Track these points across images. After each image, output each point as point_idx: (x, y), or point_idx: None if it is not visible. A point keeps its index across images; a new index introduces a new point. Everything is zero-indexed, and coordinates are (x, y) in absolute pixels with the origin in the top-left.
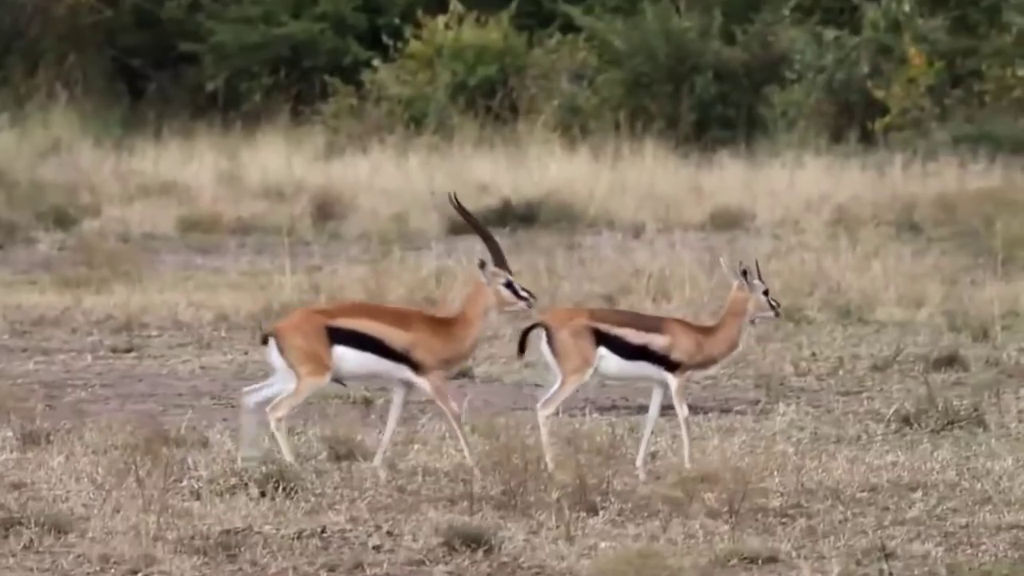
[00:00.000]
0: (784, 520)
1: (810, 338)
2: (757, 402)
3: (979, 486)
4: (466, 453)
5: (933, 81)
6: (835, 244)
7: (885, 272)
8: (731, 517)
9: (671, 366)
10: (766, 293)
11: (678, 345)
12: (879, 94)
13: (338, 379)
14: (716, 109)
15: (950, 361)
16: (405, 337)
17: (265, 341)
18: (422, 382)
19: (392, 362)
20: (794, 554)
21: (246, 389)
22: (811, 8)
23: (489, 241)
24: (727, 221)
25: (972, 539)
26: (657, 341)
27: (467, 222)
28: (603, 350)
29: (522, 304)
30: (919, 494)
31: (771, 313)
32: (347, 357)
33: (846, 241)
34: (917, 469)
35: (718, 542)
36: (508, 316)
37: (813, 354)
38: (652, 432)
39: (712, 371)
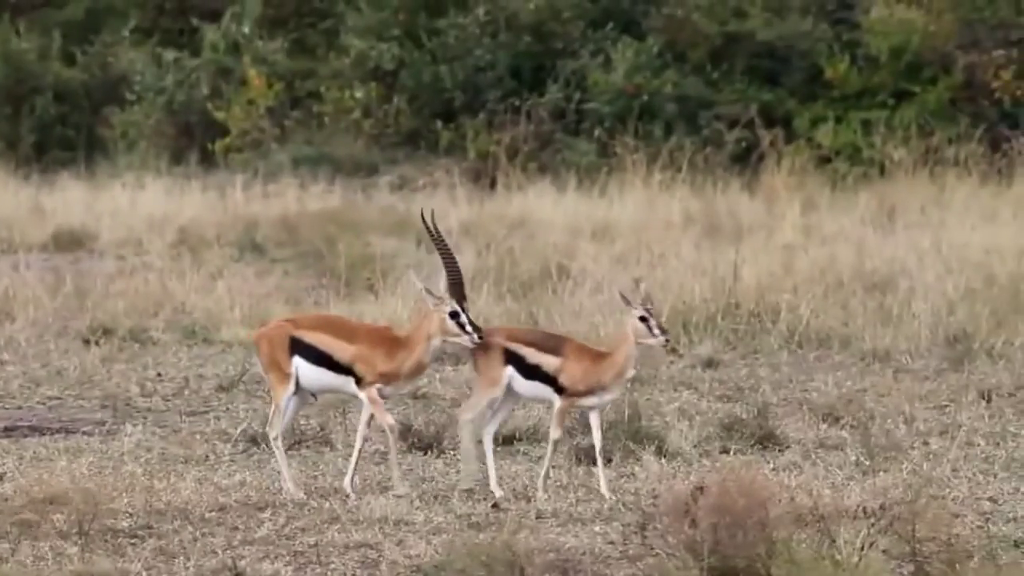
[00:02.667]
0: (134, 540)
1: (155, 359)
2: (104, 423)
3: (327, 505)
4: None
5: (273, 102)
6: (179, 265)
7: (229, 292)
8: (81, 538)
9: (559, 389)
10: (644, 320)
11: (565, 370)
12: (219, 115)
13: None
14: (56, 130)
15: None
16: (348, 350)
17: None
18: (361, 395)
19: (338, 375)
20: (145, 574)
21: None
22: (151, 30)
23: (450, 266)
24: (70, 242)
25: (322, 558)
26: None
27: (433, 242)
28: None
29: (464, 338)
30: (268, 513)
31: (653, 340)
32: (302, 369)
33: (190, 261)
34: (265, 488)
35: (67, 563)
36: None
37: (159, 375)
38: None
39: (607, 399)
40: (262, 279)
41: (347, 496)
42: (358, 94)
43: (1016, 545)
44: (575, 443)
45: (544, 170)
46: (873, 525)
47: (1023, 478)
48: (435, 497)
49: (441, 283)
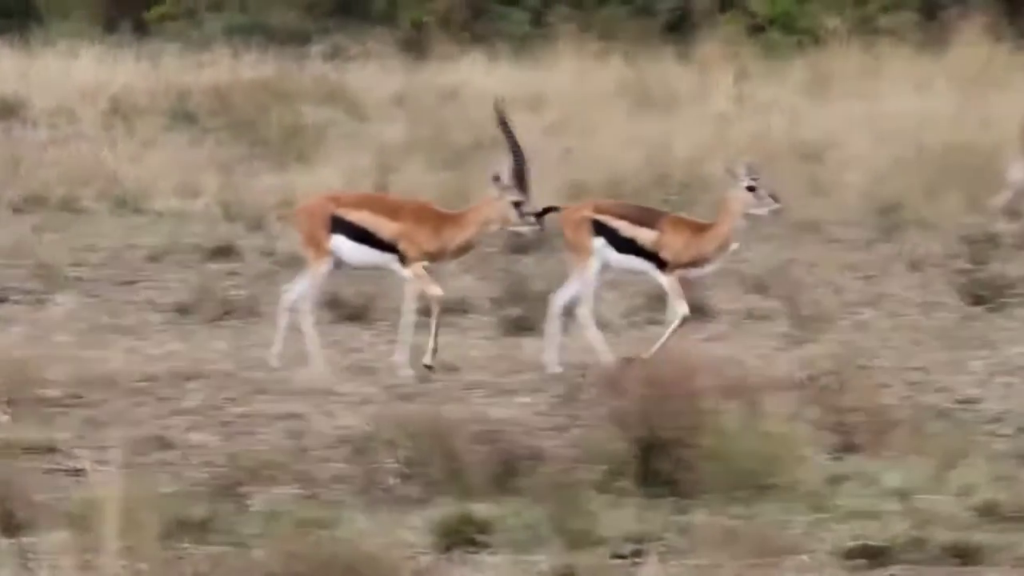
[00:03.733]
0: (63, 410)
1: (87, 228)
2: (34, 292)
3: (255, 375)
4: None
5: None
6: (111, 135)
7: (161, 162)
8: (9, 407)
9: (661, 264)
10: (752, 189)
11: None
12: None
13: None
14: None
15: (225, 251)
16: (392, 228)
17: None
18: (406, 272)
19: (382, 253)
20: (74, 444)
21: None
22: None
23: (517, 157)
24: (3, 110)
25: (249, 428)
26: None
27: (503, 133)
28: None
29: (525, 228)
30: (197, 384)
31: (764, 210)
32: (344, 246)
33: (122, 131)
34: (194, 359)
35: None
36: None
37: (90, 244)
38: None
39: (708, 270)
40: (194, 149)
41: (407, 374)
42: None
43: (942, 415)
44: (502, 313)
45: (477, 40)
46: (801, 395)
47: (952, 348)
48: (363, 368)
49: (505, 171)
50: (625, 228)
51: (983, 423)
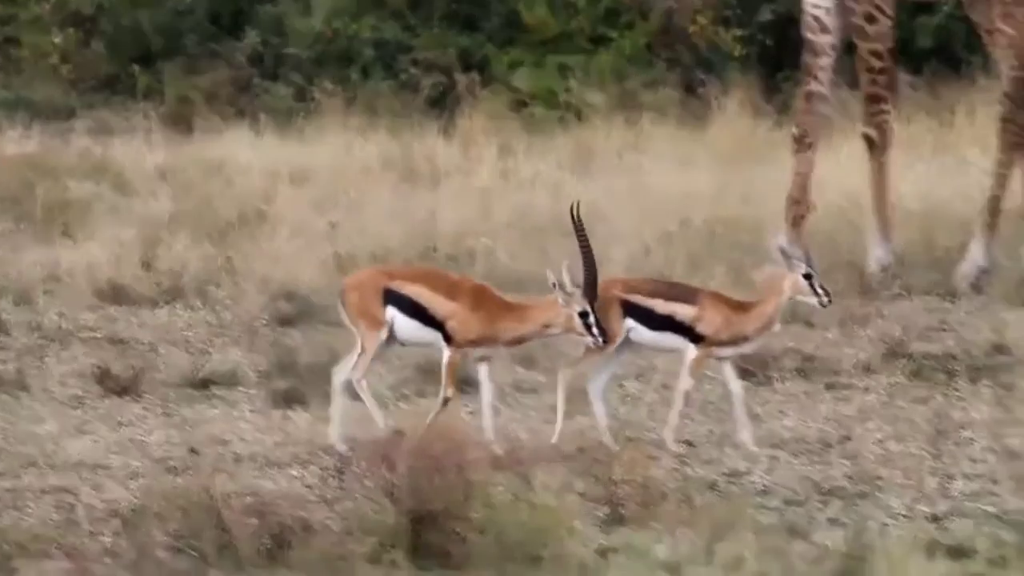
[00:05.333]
0: None
1: None
2: None
3: (24, 449)
4: None
5: None
6: None
7: None
8: None
9: (696, 338)
10: (809, 277)
11: (704, 318)
12: None
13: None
14: None
15: None
16: (447, 307)
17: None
18: (447, 353)
19: (431, 329)
20: None
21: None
22: None
23: (588, 263)
24: None
25: (18, 503)
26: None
27: (577, 236)
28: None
29: (589, 340)
30: None
31: (814, 299)
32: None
33: None
34: None
35: None
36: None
37: None
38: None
39: (746, 348)
40: None
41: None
42: (56, 39)
43: (711, 487)
44: (271, 386)
45: (242, 114)
46: (570, 468)
47: (718, 420)
48: (131, 441)
49: (567, 278)
50: (660, 306)
51: (751, 495)
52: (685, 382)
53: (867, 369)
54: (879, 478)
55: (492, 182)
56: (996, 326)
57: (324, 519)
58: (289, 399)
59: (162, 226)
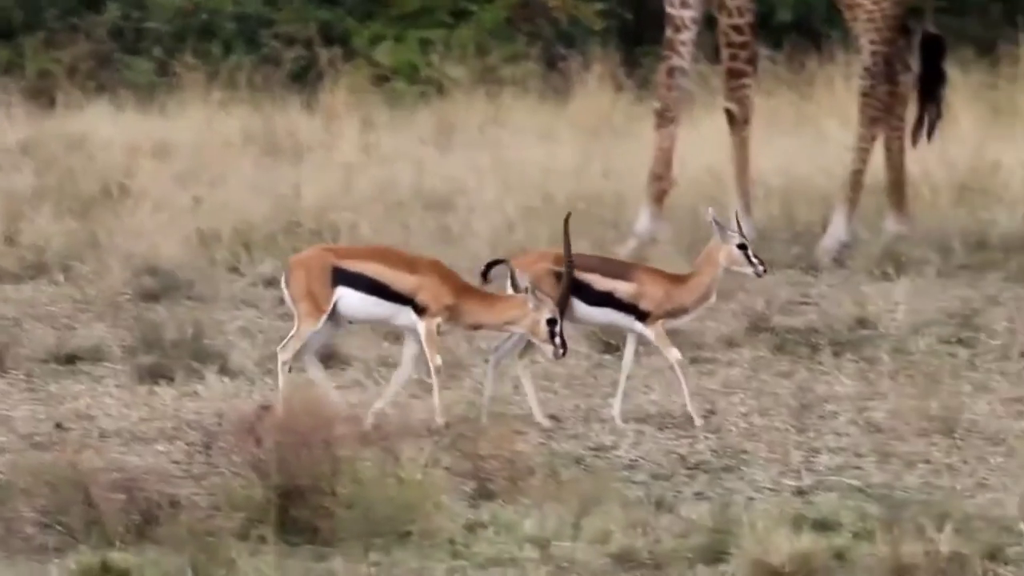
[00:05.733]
0: None
1: None
2: None
3: None
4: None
5: None
6: None
7: None
8: None
9: (641, 315)
10: (743, 248)
11: (646, 294)
12: None
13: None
14: None
15: None
16: (411, 280)
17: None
18: (420, 326)
19: (395, 304)
20: None
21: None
22: None
23: (568, 274)
24: None
25: None
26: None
27: (564, 249)
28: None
29: (548, 348)
30: None
31: (749, 269)
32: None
33: None
34: None
35: None
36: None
37: None
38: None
39: (683, 320)
40: None
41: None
42: None
43: (577, 461)
44: (136, 361)
45: (103, 89)
46: (437, 443)
47: (584, 395)
48: None
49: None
50: (597, 281)
51: (617, 470)
52: (672, 354)
53: (730, 343)
54: (744, 452)
55: (354, 157)
56: (858, 300)
57: (192, 495)
58: (154, 374)
59: (25, 201)
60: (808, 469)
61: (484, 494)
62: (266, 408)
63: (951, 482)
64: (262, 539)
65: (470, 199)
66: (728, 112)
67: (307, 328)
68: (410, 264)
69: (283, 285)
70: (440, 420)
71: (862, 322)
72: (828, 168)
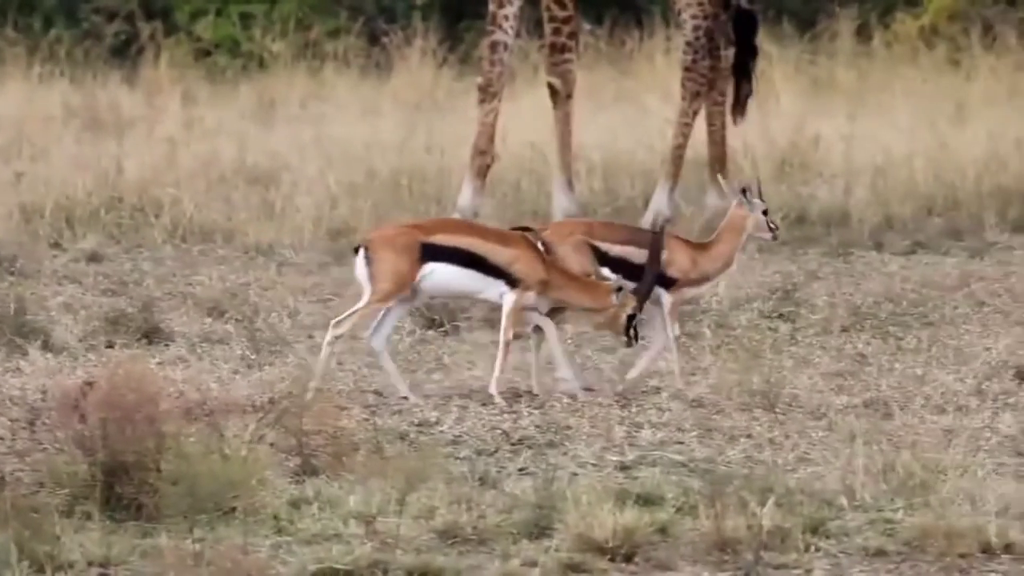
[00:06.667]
0: None
1: None
2: None
3: None
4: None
5: None
6: None
7: None
8: None
9: (667, 283)
10: (765, 213)
11: (673, 262)
12: None
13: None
14: None
15: None
16: (506, 253)
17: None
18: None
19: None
20: None
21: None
22: None
23: (650, 271)
24: None
25: None
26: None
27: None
28: None
29: (622, 339)
30: None
31: (769, 234)
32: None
33: None
34: None
35: None
36: None
37: None
38: None
39: (704, 289)
40: None
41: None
42: None
43: (401, 437)
44: None
45: None
46: (261, 419)
47: (407, 370)
48: None
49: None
50: (618, 250)
51: (441, 446)
52: (674, 329)
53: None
54: (568, 427)
55: (177, 132)
56: None
57: (15, 471)
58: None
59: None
60: (631, 444)
61: (309, 470)
62: (90, 384)
63: (773, 456)
64: (87, 515)
65: (293, 174)
66: (551, 87)
67: (380, 305)
68: (503, 237)
69: (361, 262)
70: (493, 391)
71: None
72: (649, 143)
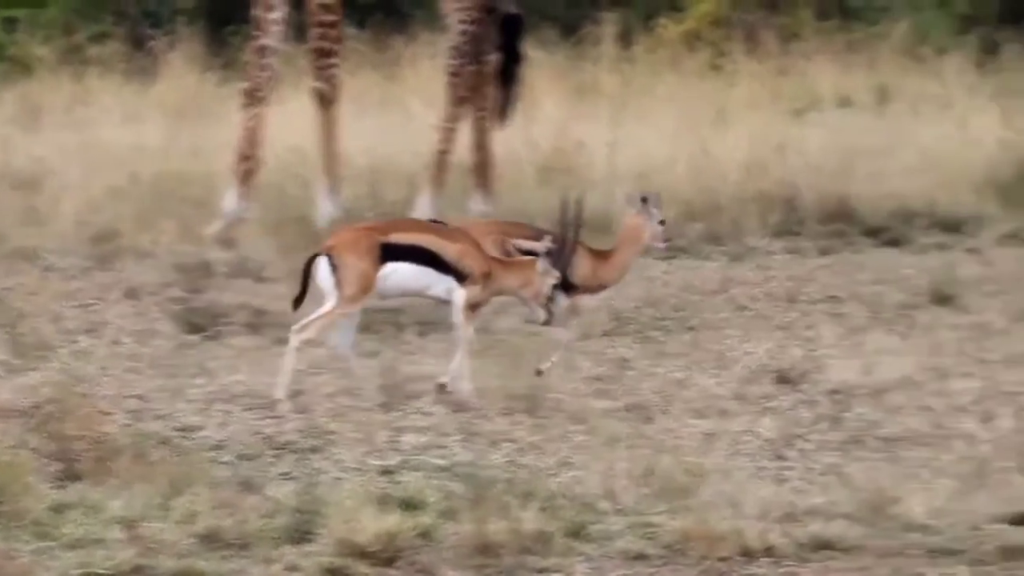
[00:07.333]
0: None
1: None
2: None
3: None
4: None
5: None
6: None
7: None
8: None
9: (567, 288)
10: (662, 223)
11: (575, 268)
12: None
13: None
14: None
15: None
16: (453, 248)
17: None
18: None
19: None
20: None
21: None
22: None
23: (565, 243)
24: None
25: None
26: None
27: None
28: None
29: (539, 313)
30: None
31: (663, 244)
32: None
33: None
34: None
35: None
36: None
37: None
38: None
39: (600, 296)
40: None
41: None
42: None
43: (164, 442)
44: None
45: None
46: (24, 424)
47: (169, 376)
48: None
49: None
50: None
51: (204, 451)
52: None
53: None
54: (331, 432)
55: None
56: None
57: None
58: None
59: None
60: (393, 449)
61: (71, 475)
62: None
63: (535, 460)
64: None
65: (57, 179)
66: (317, 92)
67: (349, 309)
68: (448, 233)
69: (326, 269)
70: (462, 389)
71: None
72: (414, 148)
